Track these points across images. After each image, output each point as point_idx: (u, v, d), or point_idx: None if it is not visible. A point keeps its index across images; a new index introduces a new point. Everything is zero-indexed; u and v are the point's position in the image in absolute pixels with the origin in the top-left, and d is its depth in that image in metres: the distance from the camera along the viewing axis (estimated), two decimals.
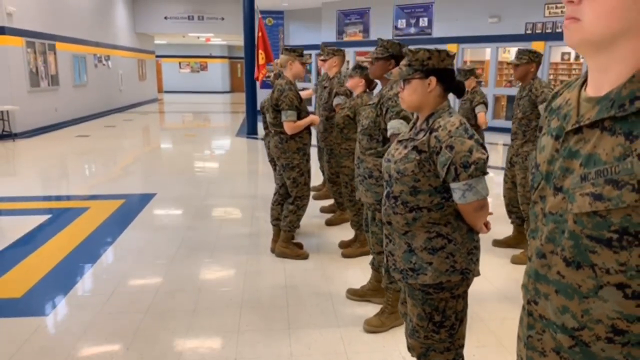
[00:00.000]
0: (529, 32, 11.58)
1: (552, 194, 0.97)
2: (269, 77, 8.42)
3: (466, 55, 13.72)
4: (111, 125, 13.27)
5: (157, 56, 26.80)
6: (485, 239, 4.39)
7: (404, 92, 1.93)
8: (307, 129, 3.94)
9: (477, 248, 1.94)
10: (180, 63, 30.14)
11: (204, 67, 30.33)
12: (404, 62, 1.94)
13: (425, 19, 13.08)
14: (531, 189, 1.09)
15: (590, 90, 0.96)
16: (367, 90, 3.99)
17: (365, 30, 14.28)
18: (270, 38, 17.51)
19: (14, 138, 10.29)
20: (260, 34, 6.21)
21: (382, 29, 13.87)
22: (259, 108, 4.70)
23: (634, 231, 0.80)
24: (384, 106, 2.80)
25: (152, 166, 8.38)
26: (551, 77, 15.41)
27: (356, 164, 3.03)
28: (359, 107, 3.82)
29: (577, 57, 16.30)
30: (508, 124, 5.29)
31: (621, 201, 0.80)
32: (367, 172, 2.91)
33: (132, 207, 5.55)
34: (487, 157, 1.79)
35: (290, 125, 3.75)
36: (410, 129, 1.98)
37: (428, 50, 1.87)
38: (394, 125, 2.69)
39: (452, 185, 1.79)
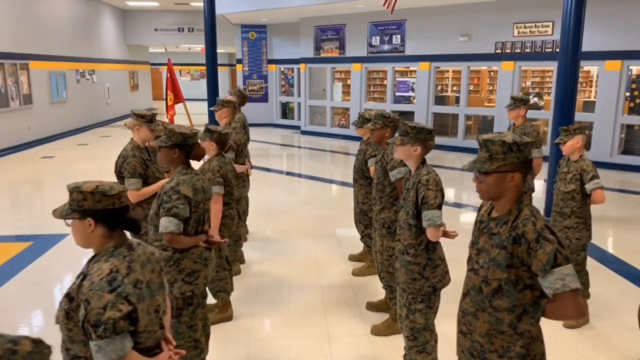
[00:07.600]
0: (498, 51, 11.29)
1: None
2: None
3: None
4: (84, 143, 13.37)
5: (155, 64, 27.08)
6: (362, 302, 4.26)
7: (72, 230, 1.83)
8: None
9: None
10: (180, 71, 30.32)
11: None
12: (70, 199, 1.83)
13: (399, 37, 12.87)
14: None
15: None
16: (222, 154, 3.86)
17: (342, 47, 14.13)
18: (254, 51, 17.64)
19: None
20: (169, 75, 6.14)
21: (357, 46, 13.71)
22: None
23: None
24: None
25: None
26: (536, 89, 15.04)
27: None
28: (207, 172, 3.71)
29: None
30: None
31: None
32: None
33: (33, 252, 5.52)
34: (127, 313, 1.67)
35: (133, 194, 3.65)
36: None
37: (81, 192, 1.76)
38: (162, 224, 2.59)
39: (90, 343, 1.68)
